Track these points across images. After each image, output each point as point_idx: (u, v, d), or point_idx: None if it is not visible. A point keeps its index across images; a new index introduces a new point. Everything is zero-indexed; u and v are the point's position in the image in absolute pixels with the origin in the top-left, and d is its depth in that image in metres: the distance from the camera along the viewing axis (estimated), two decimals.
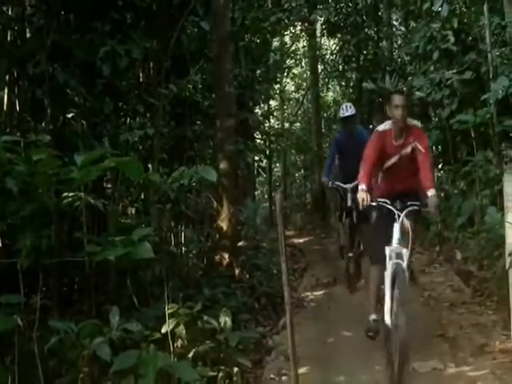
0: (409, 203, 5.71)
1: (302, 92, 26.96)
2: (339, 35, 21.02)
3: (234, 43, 10.73)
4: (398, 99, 5.83)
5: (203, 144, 10.73)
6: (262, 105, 18.86)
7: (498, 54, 10.65)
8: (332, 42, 23.85)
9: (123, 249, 3.95)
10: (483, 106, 10.51)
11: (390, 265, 5.55)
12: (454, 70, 11.48)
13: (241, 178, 11.83)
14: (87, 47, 6.70)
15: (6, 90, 6.65)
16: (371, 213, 6.37)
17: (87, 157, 3.91)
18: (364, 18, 20.03)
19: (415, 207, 5.71)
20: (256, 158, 16.55)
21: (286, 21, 17.10)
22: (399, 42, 20.15)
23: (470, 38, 12.15)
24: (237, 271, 8.94)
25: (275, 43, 20.96)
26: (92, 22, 6.89)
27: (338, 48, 22.26)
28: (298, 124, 27.96)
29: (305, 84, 26.83)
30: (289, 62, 23.56)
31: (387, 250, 5.61)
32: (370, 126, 20.28)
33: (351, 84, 22.58)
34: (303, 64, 26.27)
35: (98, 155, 3.94)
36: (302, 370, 5.31)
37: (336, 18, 20.26)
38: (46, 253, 4.38)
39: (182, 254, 9.32)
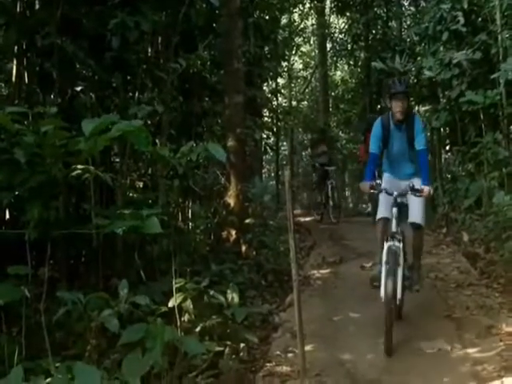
0: None
1: (310, 70, 26.85)
2: (348, 13, 20.91)
3: (242, 19, 10.62)
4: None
5: (211, 120, 10.66)
6: (269, 82, 18.74)
7: (508, 35, 10.53)
8: (341, 21, 23.70)
9: (131, 222, 3.89)
10: (492, 88, 10.42)
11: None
12: (464, 52, 11.35)
13: (248, 156, 11.75)
14: (97, 19, 6.65)
15: (14, 62, 6.62)
16: None
17: (95, 125, 3.82)
18: None
19: None
20: (263, 136, 16.46)
21: None
22: (408, 22, 19.93)
23: (480, 19, 11.99)
24: (244, 248, 8.93)
25: (284, 20, 20.82)
26: None
27: (346, 27, 22.10)
28: (306, 102, 27.86)
29: (313, 62, 26.73)
30: (297, 39, 23.44)
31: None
32: (378, 107, 20.33)
33: (359, 63, 22.42)
34: (312, 42, 26.15)
35: (106, 123, 3.85)
36: (307, 348, 5.29)
37: None
38: (53, 224, 4.36)
39: (189, 229, 9.31)
